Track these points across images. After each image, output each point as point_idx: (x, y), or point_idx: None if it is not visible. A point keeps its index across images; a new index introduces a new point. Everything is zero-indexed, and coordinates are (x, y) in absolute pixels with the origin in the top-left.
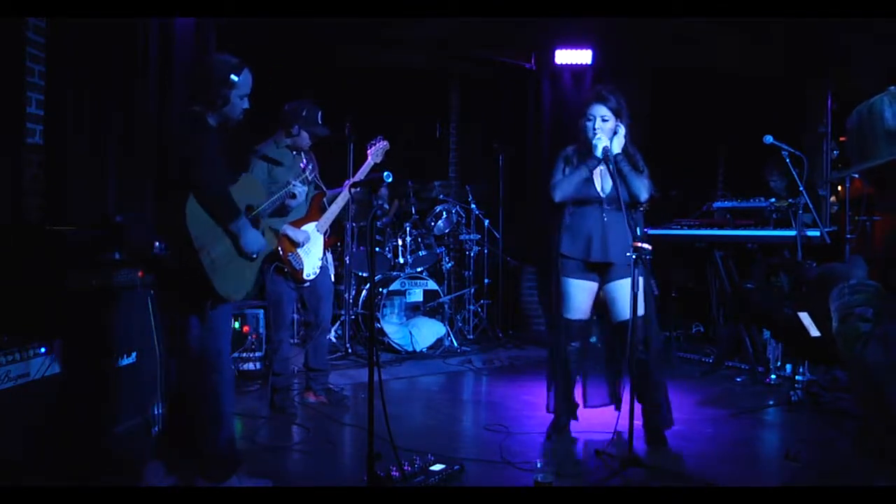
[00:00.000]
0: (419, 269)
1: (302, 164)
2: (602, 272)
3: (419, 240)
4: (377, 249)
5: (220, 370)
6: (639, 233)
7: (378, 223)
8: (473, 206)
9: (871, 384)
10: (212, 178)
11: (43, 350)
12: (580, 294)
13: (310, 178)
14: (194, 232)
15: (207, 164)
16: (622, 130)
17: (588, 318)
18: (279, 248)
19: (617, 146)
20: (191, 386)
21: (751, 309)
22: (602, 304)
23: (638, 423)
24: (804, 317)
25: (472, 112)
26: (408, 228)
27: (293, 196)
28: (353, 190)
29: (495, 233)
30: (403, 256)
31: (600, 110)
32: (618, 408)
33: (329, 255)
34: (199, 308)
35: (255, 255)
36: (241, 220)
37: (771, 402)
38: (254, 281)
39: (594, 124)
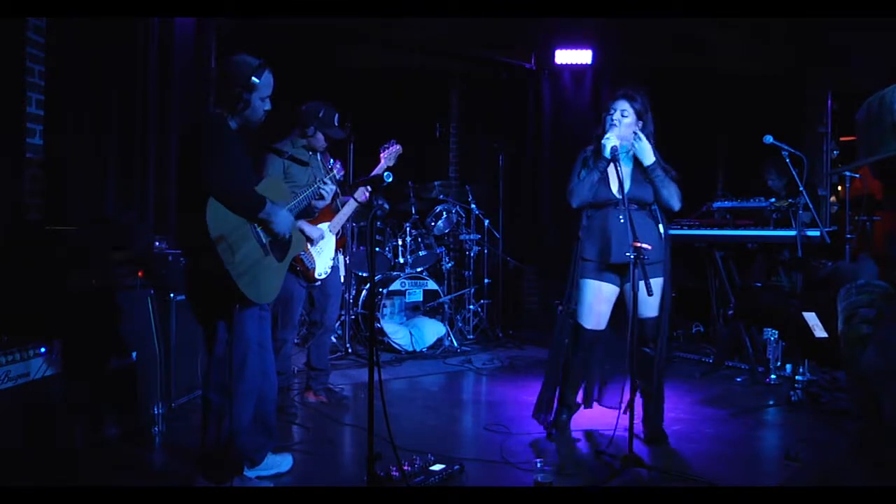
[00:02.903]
0: (419, 269)
1: (329, 164)
2: (622, 273)
3: (419, 240)
4: (377, 249)
5: (241, 376)
6: (661, 230)
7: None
8: (473, 206)
9: (866, 388)
10: (230, 178)
11: (43, 350)
12: (598, 297)
13: (338, 177)
14: (216, 235)
15: (226, 165)
16: (643, 139)
17: (602, 330)
18: None
19: (649, 157)
20: (209, 386)
21: (759, 308)
22: (621, 303)
23: (638, 422)
24: (810, 317)
25: (472, 112)
26: (408, 228)
27: (321, 196)
28: (363, 189)
29: (495, 233)
30: (403, 256)
31: (622, 104)
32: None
33: (340, 256)
34: (226, 312)
35: (287, 236)
36: (267, 205)
37: (771, 402)
38: (279, 286)
39: (613, 116)
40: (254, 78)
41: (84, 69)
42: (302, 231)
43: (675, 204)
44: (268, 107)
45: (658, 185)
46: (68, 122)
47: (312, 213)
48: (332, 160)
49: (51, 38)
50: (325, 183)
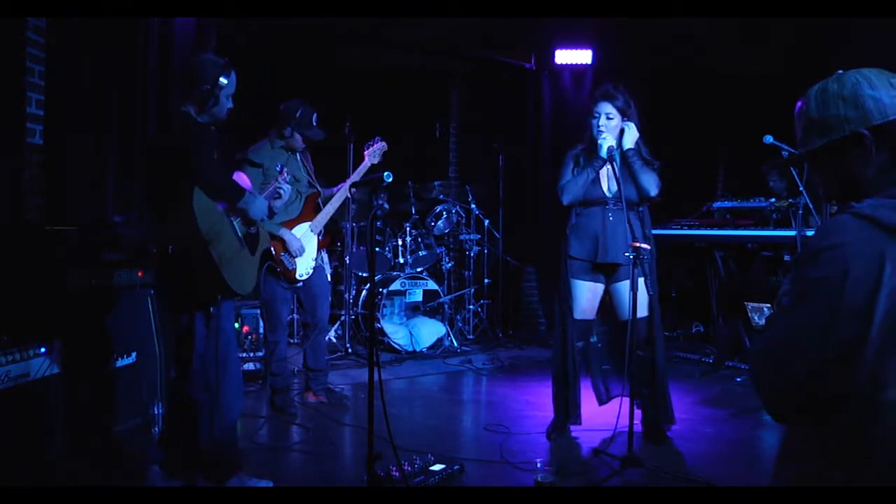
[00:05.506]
0: (419, 269)
1: (278, 167)
2: (608, 272)
3: (419, 240)
4: (377, 249)
5: (224, 371)
6: (646, 231)
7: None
8: (473, 206)
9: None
10: (218, 170)
11: (43, 350)
12: (587, 295)
13: (287, 179)
14: (204, 227)
15: (210, 158)
16: (633, 127)
17: (592, 319)
18: (271, 248)
19: (629, 141)
20: (194, 386)
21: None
22: (607, 304)
23: (638, 422)
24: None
25: (472, 112)
26: (408, 228)
27: (278, 196)
28: (352, 190)
29: (495, 233)
30: (403, 256)
31: (606, 108)
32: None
33: (324, 255)
34: (208, 304)
35: (261, 220)
36: (245, 194)
37: None
38: (255, 277)
39: (599, 122)
40: (223, 78)
41: (84, 69)
42: (283, 238)
43: (652, 190)
44: (230, 105)
45: (636, 169)
46: (68, 122)
47: (271, 214)
48: (280, 168)
49: (51, 38)
50: (281, 183)
